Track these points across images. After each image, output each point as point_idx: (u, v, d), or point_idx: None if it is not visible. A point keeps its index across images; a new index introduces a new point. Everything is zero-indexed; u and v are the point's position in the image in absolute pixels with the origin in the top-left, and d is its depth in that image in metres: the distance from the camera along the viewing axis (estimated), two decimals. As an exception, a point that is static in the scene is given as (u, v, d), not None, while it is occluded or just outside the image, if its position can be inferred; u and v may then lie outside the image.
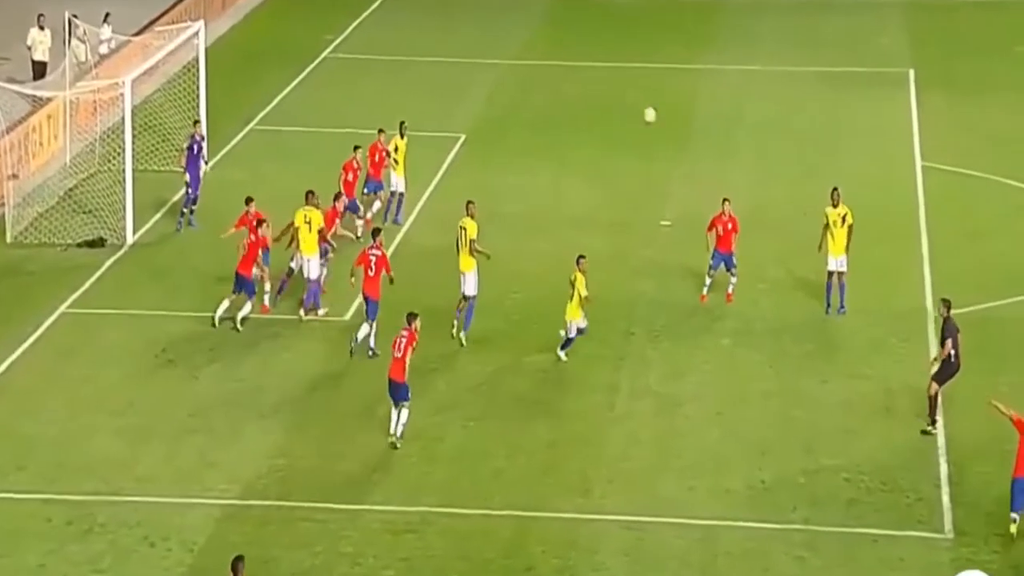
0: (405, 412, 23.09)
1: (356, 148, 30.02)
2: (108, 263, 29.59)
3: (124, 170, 30.89)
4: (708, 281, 27.69)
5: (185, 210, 31.09)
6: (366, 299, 25.80)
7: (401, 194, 31.32)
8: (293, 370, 25.57)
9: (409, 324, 23.43)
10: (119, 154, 31.97)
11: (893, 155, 35.16)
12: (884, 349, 26.16)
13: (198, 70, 34.40)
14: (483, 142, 35.83)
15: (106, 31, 37.52)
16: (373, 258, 25.76)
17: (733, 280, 27.65)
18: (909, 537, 21.18)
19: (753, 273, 28.63)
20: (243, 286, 26.54)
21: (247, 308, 26.49)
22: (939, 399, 23.51)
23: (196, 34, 34.63)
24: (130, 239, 30.51)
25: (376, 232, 26.29)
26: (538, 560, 20.68)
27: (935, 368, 23.55)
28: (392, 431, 23.14)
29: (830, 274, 27.36)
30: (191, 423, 23.85)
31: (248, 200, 27.91)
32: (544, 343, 25.94)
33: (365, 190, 31.01)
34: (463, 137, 35.93)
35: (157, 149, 33.99)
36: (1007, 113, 37.28)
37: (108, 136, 33.94)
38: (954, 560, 20.68)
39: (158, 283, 28.78)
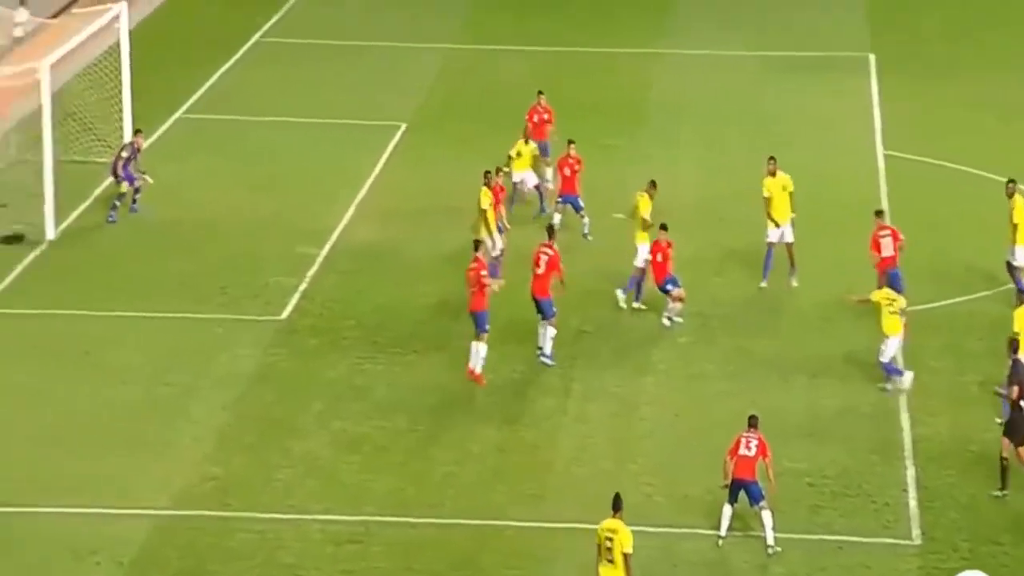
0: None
1: (497, 171, 28.83)
2: (27, 260, 29.32)
3: (43, 161, 30.60)
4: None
5: (118, 203, 30.81)
6: (534, 299, 25.56)
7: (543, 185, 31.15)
8: (227, 373, 25.48)
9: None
10: (37, 144, 31.67)
11: (853, 143, 35.46)
12: (847, 348, 26.38)
13: (120, 55, 34.11)
14: (424, 131, 35.79)
15: (22, 14, 37.09)
16: (545, 256, 25.55)
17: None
18: (875, 544, 21.39)
19: (708, 268, 28.82)
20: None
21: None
22: (1009, 462, 21.69)
23: (117, 17, 34.34)
24: (50, 234, 30.24)
25: (551, 230, 26.26)
26: (491, 571, 20.75)
27: (1004, 415, 22.11)
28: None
29: (770, 244, 27.87)
30: (119, 429, 23.71)
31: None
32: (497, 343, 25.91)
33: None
34: (404, 126, 35.90)
35: (78, 138, 33.68)
36: (971, 99, 37.70)
37: (25, 125, 33.60)
38: (921, 567, 20.90)
39: (81, 281, 28.56)
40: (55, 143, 31.18)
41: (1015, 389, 21.87)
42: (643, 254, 27.43)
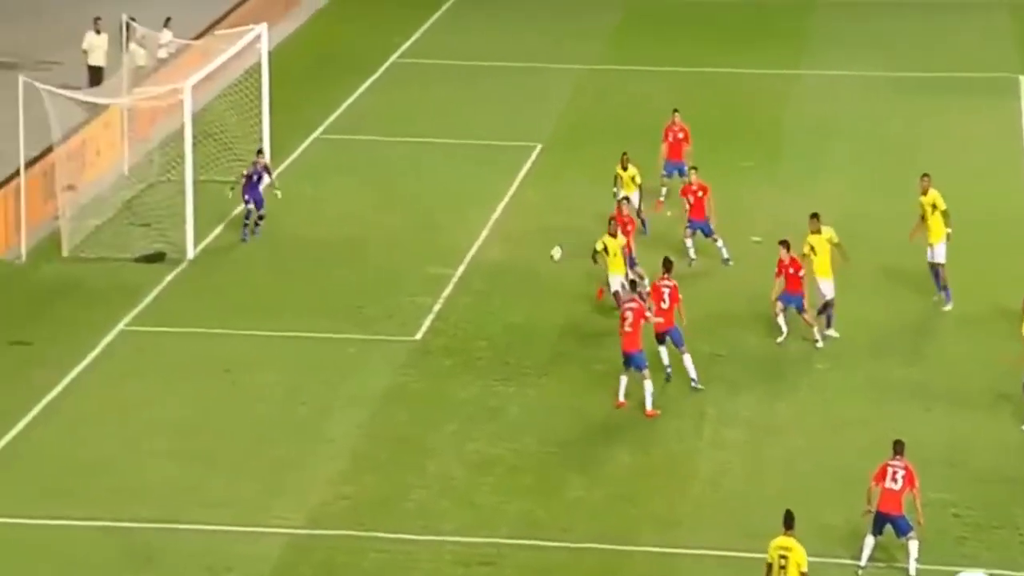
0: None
1: (619, 207, 28.83)
2: (168, 278, 29.83)
3: (184, 180, 31.15)
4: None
5: (248, 221, 31.27)
6: (659, 333, 25.20)
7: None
8: (361, 393, 25.65)
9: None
10: (178, 164, 32.27)
11: (1001, 165, 34.77)
12: (993, 376, 25.83)
13: (260, 76, 34.64)
14: (560, 151, 35.84)
15: (166, 35, 37.83)
16: (666, 290, 25.34)
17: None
18: (1023, 578, 20.91)
19: (849, 291, 28.42)
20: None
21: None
22: None
23: (259, 38, 34.89)
24: (191, 253, 30.75)
25: (668, 264, 25.89)
26: (622, 597, 20.64)
27: None
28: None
29: (931, 265, 27.59)
30: (255, 447, 23.99)
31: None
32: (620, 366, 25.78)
33: (664, 172, 31.93)
34: (539, 147, 35.97)
35: (218, 158, 34.22)
36: None
37: (167, 145, 34.28)
38: (1070, 602, 20.36)
39: (220, 300, 29.00)
40: (195, 163, 31.75)
41: None
42: (827, 290, 26.63)
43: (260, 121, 34.28)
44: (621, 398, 24.86)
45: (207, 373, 26.20)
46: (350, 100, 39.06)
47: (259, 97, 34.51)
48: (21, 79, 30.66)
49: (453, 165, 35.23)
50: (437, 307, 28.57)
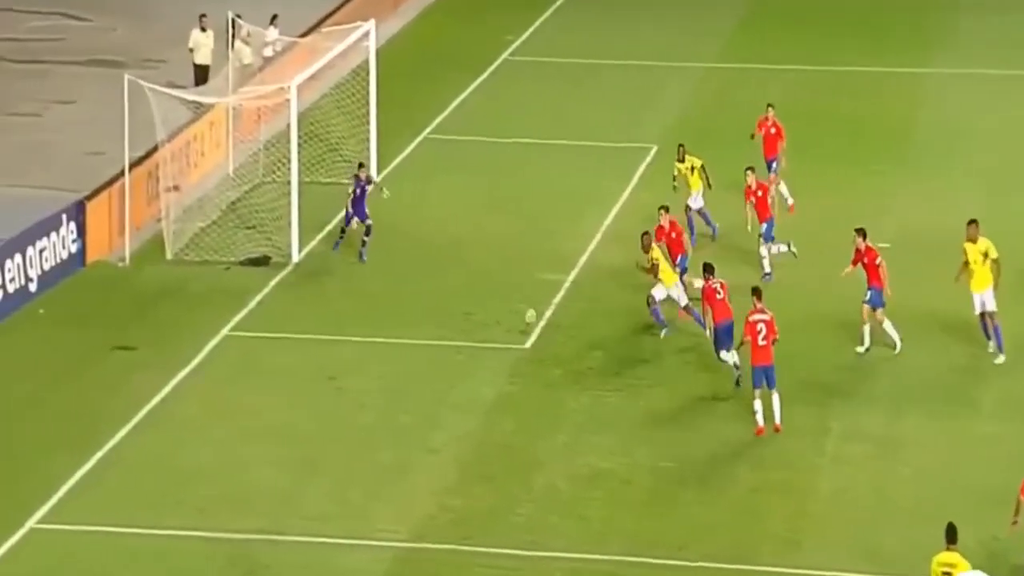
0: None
1: (661, 209, 28.83)
2: (273, 282, 30.04)
3: (290, 182, 31.39)
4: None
5: (343, 234, 31.03)
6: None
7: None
8: (468, 401, 25.66)
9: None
10: (284, 165, 32.54)
11: None
12: None
13: (368, 74, 34.81)
14: (676, 154, 35.73)
15: (272, 33, 38.18)
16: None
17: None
18: None
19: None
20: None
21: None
22: None
23: (366, 35, 35.08)
24: (296, 257, 30.98)
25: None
26: (739, 619, 20.46)
27: None
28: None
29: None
30: (359, 456, 24.08)
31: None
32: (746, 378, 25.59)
33: (772, 170, 31.75)
34: (655, 148, 35.81)
35: (324, 159, 34.48)
36: None
37: (272, 145, 34.58)
38: None
39: (325, 305, 29.18)
40: (301, 164, 31.98)
41: None
42: (985, 301, 25.97)
43: (367, 121, 34.43)
44: (760, 422, 24.25)
45: (311, 380, 26.35)
46: (459, 99, 39.10)
47: (366, 96, 34.66)
48: (126, 78, 31.12)
49: (565, 167, 35.15)
50: (548, 314, 28.51)
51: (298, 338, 27.86)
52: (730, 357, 25.42)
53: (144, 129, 31.55)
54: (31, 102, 38.36)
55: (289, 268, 30.70)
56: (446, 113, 38.24)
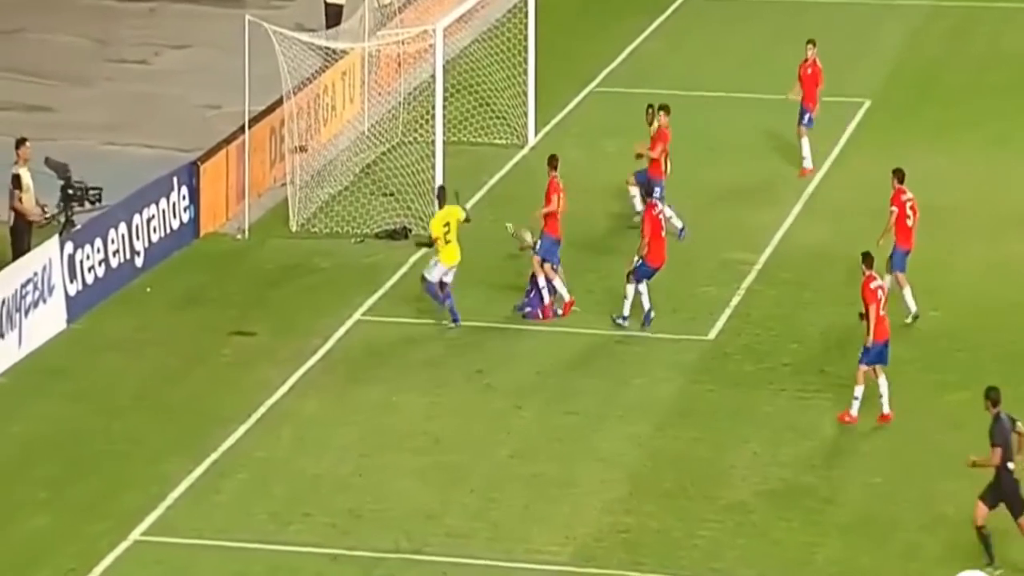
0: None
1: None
2: (413, 259, 30.17)
3: (434, 142, 31.50)
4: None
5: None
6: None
7: None
8: (641, 402, 25.65)
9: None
10: (427, 121, 32.66)
11: None
12: None
13: (526, 16, 34.85)
14: (894, 110, 35.42)
15: (416, -33, 38.44)
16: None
17: None
18: None
19: None
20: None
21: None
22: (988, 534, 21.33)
23: (525, -30, 35.15)
24: (439, 229, 31.13)
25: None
26: (964, 668, 20.12)
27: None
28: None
29: None
30: (513, 465, 24.12)
31: None
32: (971, 377, 25.08)
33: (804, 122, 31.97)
34: (867, 103, 35.53)
35: (474, 115, 34.60)
36: None
37: (414, 99, 34.73)
38: None
39: (473, 285, 29.17)
40: (447, 121, 32.05)
41: (998, 452, 21.23)
42: None
43: (524, 71, 34.52)
44: (887, 408, 24.45)
45: (456, 373, 26.45)
46: (633, 46, 39.19)
47: (524, 42, 34.79)
48: (247, 18, 31.36)
49: (758, 125, 35.03)
50: (735, 301, 28.42)
51: (441, 324, 27.90)
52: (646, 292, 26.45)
53: (267, 79, 31.82)
54: (139, 47, 38.95)
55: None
56: (617, 62, 38.32)
